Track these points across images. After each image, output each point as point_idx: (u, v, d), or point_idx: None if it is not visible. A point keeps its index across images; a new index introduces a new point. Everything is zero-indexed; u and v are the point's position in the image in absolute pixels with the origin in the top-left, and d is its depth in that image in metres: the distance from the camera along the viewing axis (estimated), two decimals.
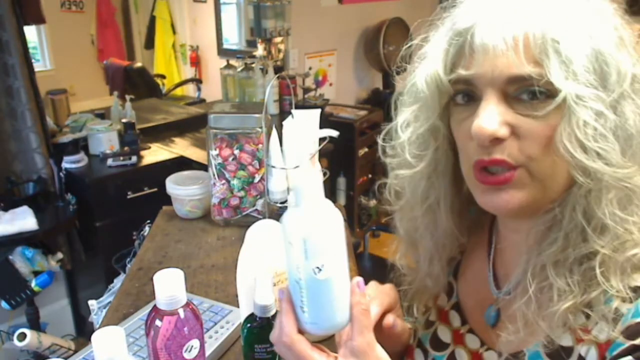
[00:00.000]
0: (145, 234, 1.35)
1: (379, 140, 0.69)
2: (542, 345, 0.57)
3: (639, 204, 0.54)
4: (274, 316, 0.69)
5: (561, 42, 0.52)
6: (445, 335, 0.73)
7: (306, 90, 3.28)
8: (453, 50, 0.58)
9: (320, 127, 1.30)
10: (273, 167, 1.23)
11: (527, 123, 0.54)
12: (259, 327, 0.69)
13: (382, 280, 0.74)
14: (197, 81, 4.11)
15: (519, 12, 0.54)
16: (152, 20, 4.23)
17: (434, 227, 0.69)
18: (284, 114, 3.10)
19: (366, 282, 0.59)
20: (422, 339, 0.76)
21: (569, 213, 0.55)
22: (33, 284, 2.11)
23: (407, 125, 0.65)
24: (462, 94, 0.59)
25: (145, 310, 0.97)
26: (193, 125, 2.92)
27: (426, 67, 0.61)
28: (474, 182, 0.59)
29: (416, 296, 0.76)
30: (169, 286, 0.62)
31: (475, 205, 0.62)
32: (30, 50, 2.34)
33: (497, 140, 0.55)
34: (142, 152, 2.54)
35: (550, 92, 0.52)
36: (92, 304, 1.31)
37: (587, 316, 0.55)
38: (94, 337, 0.55)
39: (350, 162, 3.42)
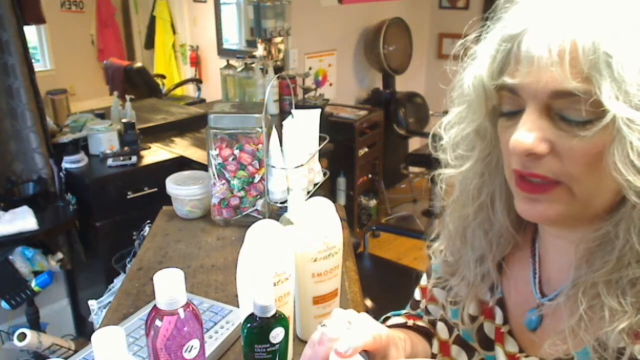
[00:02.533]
0: (145, 234, 1.35)
1: (430, 136, 0.68)
2: (592, 348, 0.55)
3: None
4: (274, 316, 0.69)
5: (614, 56, 0.48)
6: (491, 332, 0.71)
7: (306, 90, 3.28)
8: (500, 56, 0.56)
9: (320, 127, 1.30)
10: (273, 167, 1.23)
11: (570, 142, 0.51)
12: (259, 327, 0.69)
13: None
14: (197, 81, 4.11)
15: (569, 21, 0.50)
16: (152, 20, 4.22)
17: (488, 225, 0.68)
18: (284, 114, 3.10)
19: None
20: (464, 335, 0.74)
21: (623, 233, 0.53)
22: (33, 284, 2.11)
23: (450, 127, 0.65)
24: (507, 102, 0.57)
25: (145, 310, 0.97)
26: (193, 125, 2.92)
27: (473, 70, 0.59)
28: (514, 188, 0.59)
29: (453, 291, 0.73)
30: (169, 286, 0.62)
31: None
32: (30, 50, 2.34)
33: (535, 156, 0.53)
34: (142, 152, 2.54)
35: (597, 111, 0.49)
36: (92, 304, 1.31)
37: None
38: (94, 337, 0.55)
39: (350, 162, 3.42)
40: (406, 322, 0.84)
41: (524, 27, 0.53)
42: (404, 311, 0.89)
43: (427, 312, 0.84)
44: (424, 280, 0.86)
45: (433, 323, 0.82)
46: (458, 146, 0.65)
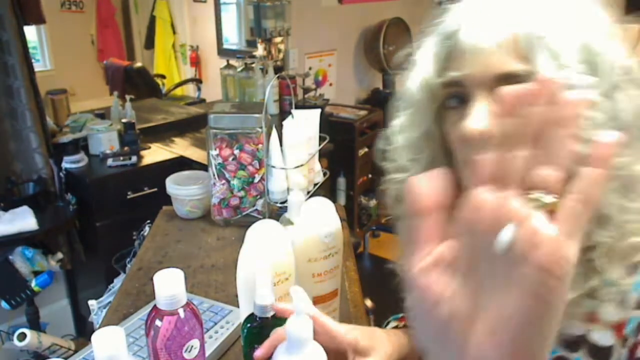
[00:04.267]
0: (145, 234, 1.35)
1: (378, 145, 0.69)
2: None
3: None
4: (273, 316, 0.69)
5: (548, 37, 0.52)
6: None
7: (306, 90, 3.28)
8: (442, 53, 0.59)
9: (320, 127, 1.31)
10: (273, 167, 1.23)
11: None
12: (259, 327, 0.69)
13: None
14: (197, 81, 4.11)
15: (504, 12, 0.54)
16: (152, 20, 4.23)
17: None
18: (284, 114, 3.10)
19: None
20: None
21: None
22: (33, 284, 2.11)
23: (400, 131, 0.66)
24: (454, 97, 0.59)
25: (145, 310, 0.97)
26: (193, 125, 2.92)
27: (417, 72, 0.62)
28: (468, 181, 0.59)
29: None
30: (169, 286, 0.62)
31: None
32: (30, 50, 2.33)
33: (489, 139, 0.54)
34: (142, 152, 2.54)
35: None
36: (92, 304, 1.31)
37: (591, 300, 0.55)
38: (94, 337, 0.55)
39: (350, 162, 3.42)
40: (397, 325, 0.86)
41: (462, 23, 0.56)
42: (402, 314, 0.90)
43: None
44: None
45: None
46: (407, 151, 0.66)
